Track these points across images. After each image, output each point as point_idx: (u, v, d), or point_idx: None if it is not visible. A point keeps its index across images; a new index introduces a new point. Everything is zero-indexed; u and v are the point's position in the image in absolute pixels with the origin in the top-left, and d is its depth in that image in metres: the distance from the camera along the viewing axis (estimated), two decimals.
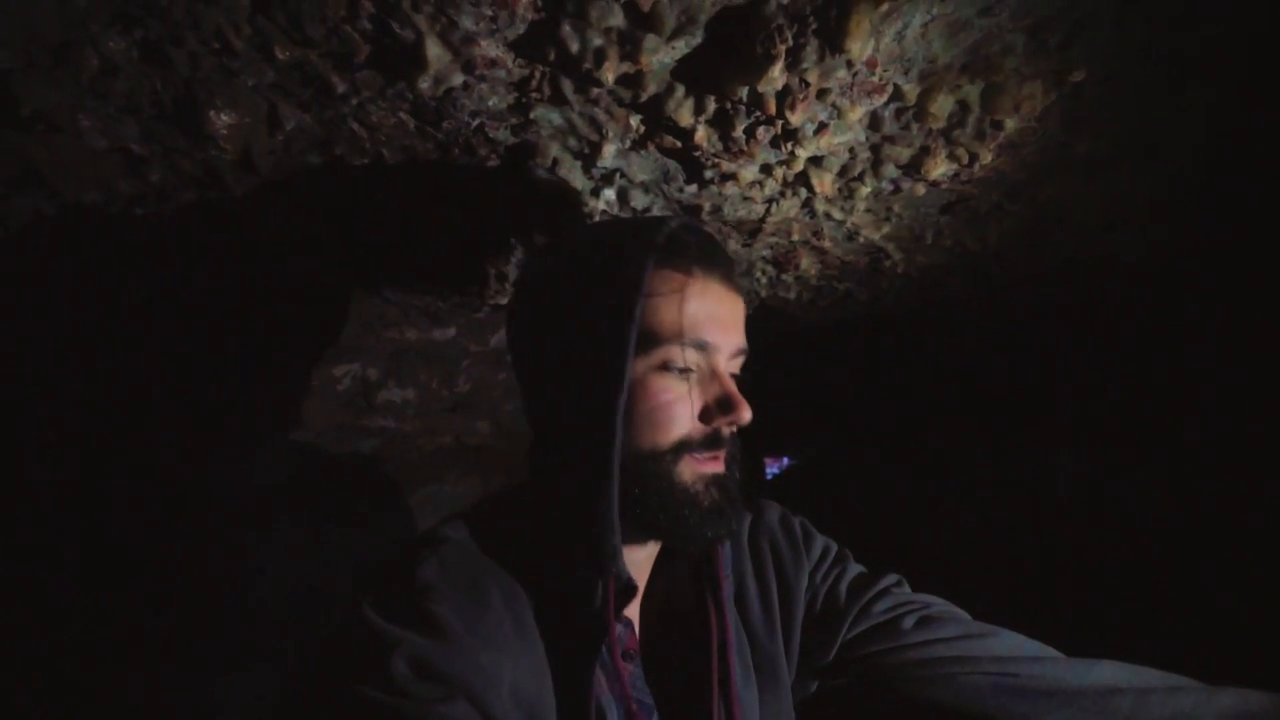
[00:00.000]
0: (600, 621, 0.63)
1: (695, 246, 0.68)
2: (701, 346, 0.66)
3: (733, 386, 0.67)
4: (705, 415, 0.67)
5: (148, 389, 1.13)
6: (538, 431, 0.74)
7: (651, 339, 0.64)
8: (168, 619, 1.24)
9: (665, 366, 0.65)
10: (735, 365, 0.70)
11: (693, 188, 0.95)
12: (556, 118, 0.80)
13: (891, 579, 0.81)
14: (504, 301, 1.25)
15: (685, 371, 0.66)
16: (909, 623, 0.75)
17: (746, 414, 0.67)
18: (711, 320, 0.66)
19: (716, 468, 0.68)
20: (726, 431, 0.68)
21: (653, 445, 0.65)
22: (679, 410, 0.65)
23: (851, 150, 0.90)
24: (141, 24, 0.63)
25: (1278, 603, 1.21)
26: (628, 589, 0.66)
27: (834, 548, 0.85)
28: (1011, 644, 0.73)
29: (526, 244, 1.09)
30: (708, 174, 0.90)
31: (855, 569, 0.83)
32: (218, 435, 1.27)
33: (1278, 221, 1.17)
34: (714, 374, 0.67)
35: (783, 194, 0.99)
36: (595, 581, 0.64)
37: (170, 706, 1.23)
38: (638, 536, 0.70)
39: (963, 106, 0.82)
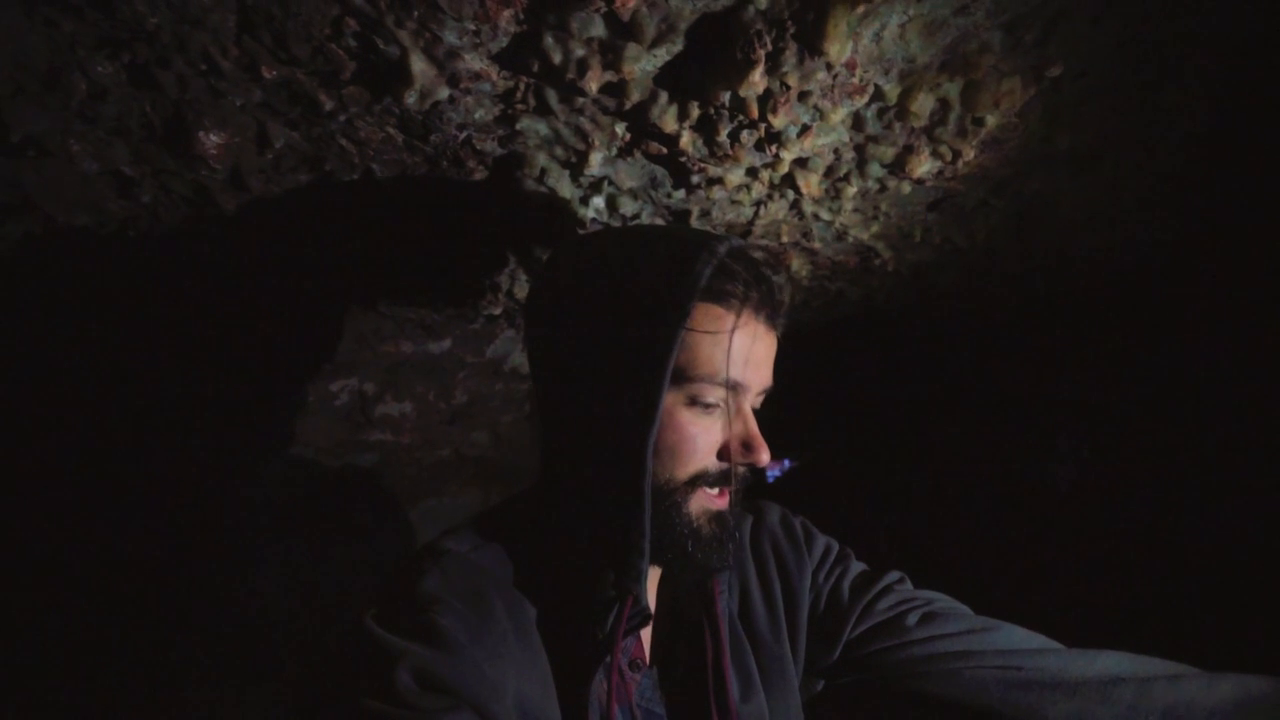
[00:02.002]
0: (610, 637, 0.63)
1: (743, 279, 0.66)
2: (733, 386, 0.66)
3: (756, 428, 0.68)
4: (725, 453, 0.67)
5: (143, 410, 1.13)
6: (553, 444, 0.73)
7: (685, 374, 0.64)
8: (171, 635, 1.23)
9: (693, 401, 0.65)
10: (759, 401, 0.71)
11: (680, 193, 0.96)
12: (543, 128, 0.80)
13: (894, 576, 0.81)
14: (498, 312, 1.26)
15: (711, 406, 0.66)
16: (912, 619, 0.75)
17: (765, 457, 0.67)
18: (748, 361, 0.66)
19: (722, 504, 0.69)
20: (741, 470, 0.69)
21: (669, 476, 0.65)
22: (701, 445, 0.66)
23: (836, 151, 0.90)
24: (129, 48, 0.64)
25: (1276, 594, 1.21)
26: (644, 616, 0.66)
27: (835, 547, 0.86)
28: (1014, 638, 0.74)
29: (518, 255, 1.09)
30: (694, 179, 0.91)
31: (857, 567, 0.83)
32: (216, 453, 1.27)
33: (1271, 215, 1.18)
34: (739, 412, 0.67)
35: (770, 196, 0.99)
36: (614, 603, 0.64)
37: None
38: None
39: (944, 104, 0.83)
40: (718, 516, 0.68)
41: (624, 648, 0.69)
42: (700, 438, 0.65)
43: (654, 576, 0.76)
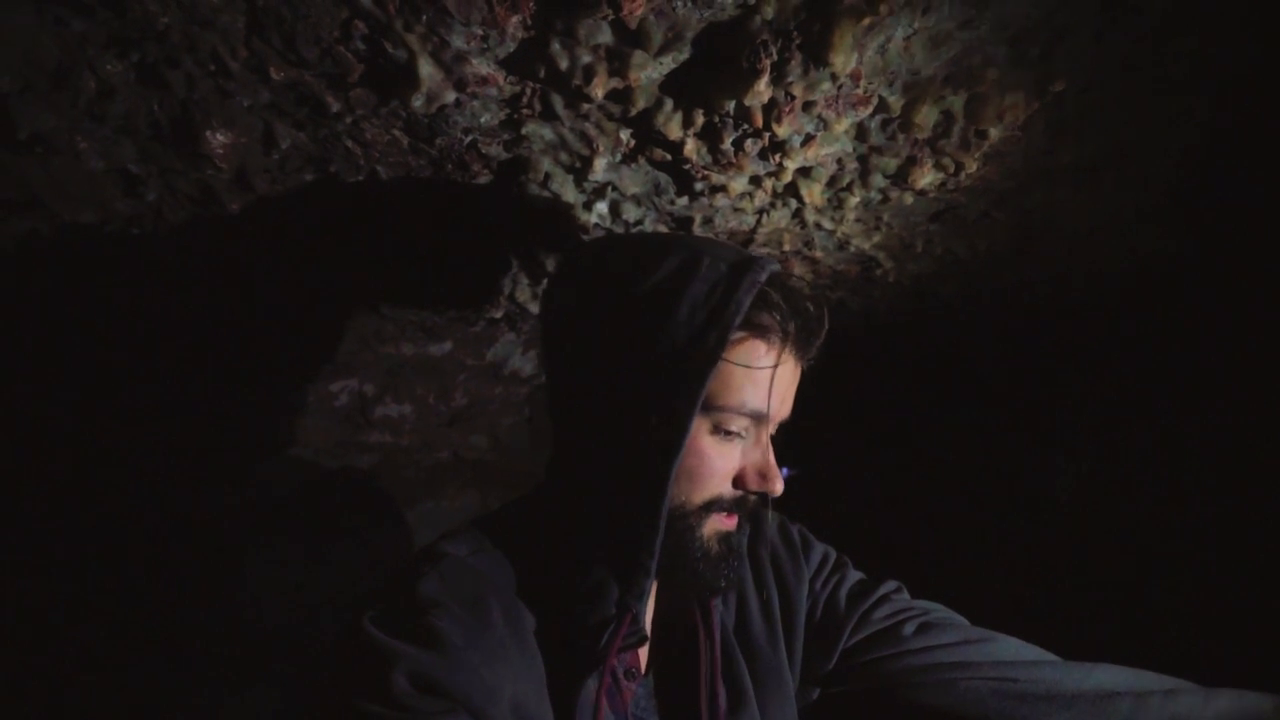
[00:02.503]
0: (604, 650, 0.63)
1: (781, 310, 0.65)
2: (758, 418, 0.66)
3: (773, 459, 0.68)
4: (740, 480, 0.67)
5: (144, 408, 1.13)
6: (564, 453, 0.73)
7: (713, 403, 0.63)
8: (167, 636, 1.23)
9: (716, 429, 0.65)
10: (774, 429, 0.71)
11: (684, 200, 0.96)
12: (548, 133, 0.81)
13: (891, 585, 0.81)
14: (499, 315, 1.26)
15: (732, 435, 0.66)
16: (909, 629, 0.75)
17: (779, 487, 0.68)
18: (776, 394, 0.66)
19: (731, 525, 0.69)
20: (754, 497, 0.69)
21: (685, 500, 0.65)
22: (719, 471, 0.66)
23: (839, 161, 0.91)
24: (138, 47, 0.64)
25: (1276, 605, 1.21)
26: (640, 637, 0.66)
27: (833, 555, 0.86)
28: (1010, 649, 0.74)
29: (521, 258, 1.10)
30: (698, 186, 0.91)
31: (855, 576, 0.84)
32: (215, 453, 1.27)
33: (1269, 225, 1.19)
34: (759, 442, 0.68)
35: (773, 205, 1.00)
36: (613, 618, 0.64)
37: None
38: None
39: (947, 116, 0.84)
40: (726, 537, 0.68)
41: (619, 657, 0.69)
42: (719, 464, 0.65)
43: (651, 591, 0.76)
